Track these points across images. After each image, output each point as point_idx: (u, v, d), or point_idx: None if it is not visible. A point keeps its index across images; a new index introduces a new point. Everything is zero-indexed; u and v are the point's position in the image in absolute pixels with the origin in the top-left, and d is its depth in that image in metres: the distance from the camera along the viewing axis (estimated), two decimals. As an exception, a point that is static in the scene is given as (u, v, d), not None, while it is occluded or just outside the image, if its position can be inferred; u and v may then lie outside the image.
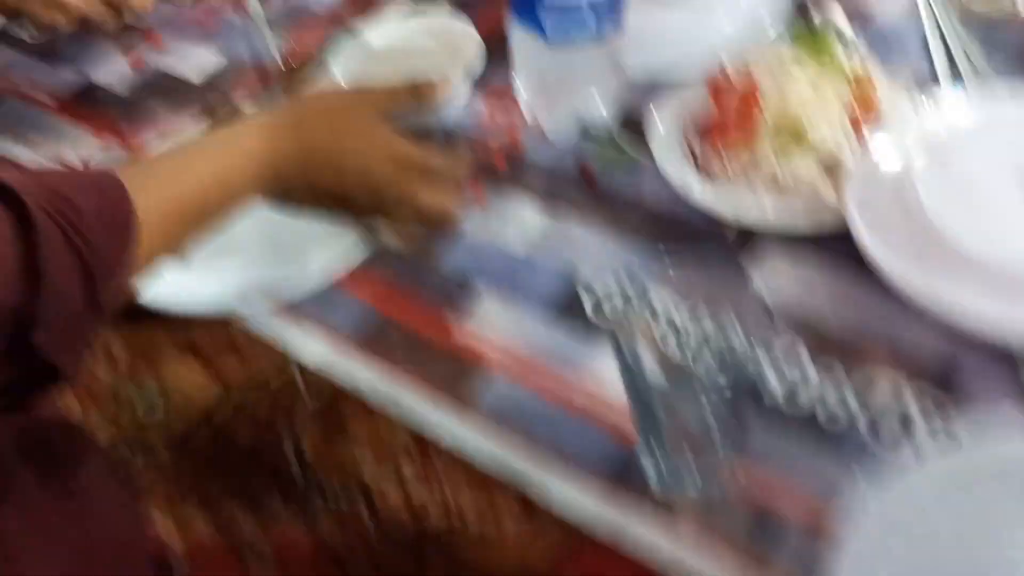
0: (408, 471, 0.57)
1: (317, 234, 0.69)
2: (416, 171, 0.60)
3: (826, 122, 0.70)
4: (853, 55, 0.73)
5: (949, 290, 0.60)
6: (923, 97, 0.73)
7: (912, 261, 0.62)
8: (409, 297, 0.69)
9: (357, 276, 0.71)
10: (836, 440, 0.56)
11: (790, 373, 0.60)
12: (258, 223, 0.61)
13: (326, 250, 0.70)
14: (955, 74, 0.77)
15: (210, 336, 0.64)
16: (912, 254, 0.62)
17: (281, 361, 0.65)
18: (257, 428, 0.59)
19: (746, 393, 0.59)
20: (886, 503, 0.49)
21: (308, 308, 0.69)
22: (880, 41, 0.80)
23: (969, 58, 0.78)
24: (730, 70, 0.74)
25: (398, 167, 0.59)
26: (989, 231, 0.62)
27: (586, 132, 0.79)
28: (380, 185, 0.59)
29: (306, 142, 0.58)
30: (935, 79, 0.77)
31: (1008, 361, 0.58)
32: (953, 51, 0.79)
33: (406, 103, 0.64)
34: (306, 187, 0.59)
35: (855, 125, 0.71)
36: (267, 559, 0.55)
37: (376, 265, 0.72)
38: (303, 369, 0.65)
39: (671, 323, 0.64)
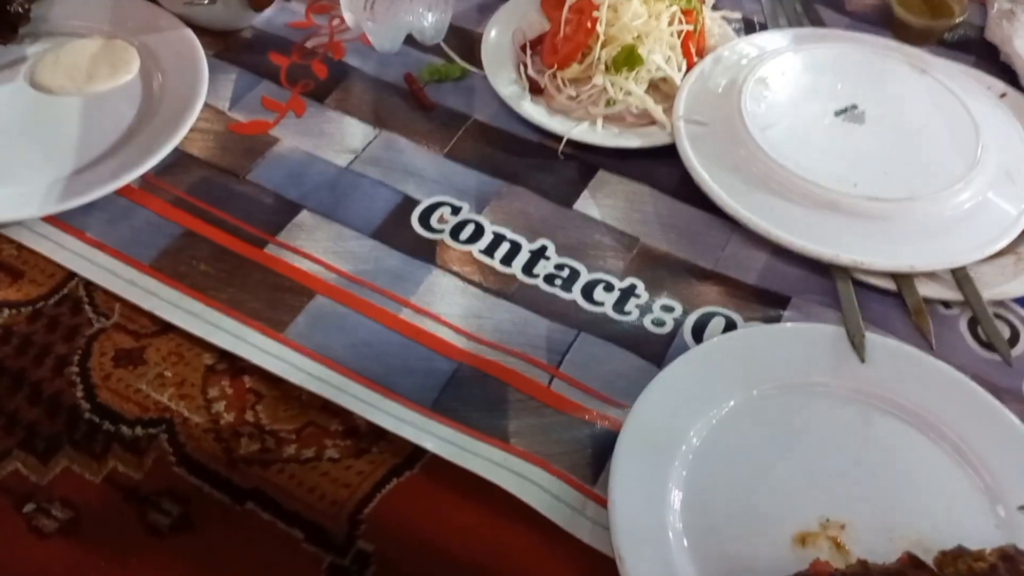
0: (214, 393, 0.51)
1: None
2: None
3: (657, 41, 0.69)
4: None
5: (767, 204, 0.62)
6: (749, 35, 0.75)
7: (733, 176, 0.63)
8: (215, 210, 0.62)
9: (152, 185, 0.63)
10: (660, 343, 0.56)
11: (619, 284, 0.59)
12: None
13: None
14: (780, 23, 0.79)
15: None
16: (733, 170, 0.64)
17: (61, 278, 0.56)
18: (32, 353, 0.51)
19: (573, 306, 0.58)
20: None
21: (95, 219, 0.61)
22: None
23: (796, 8, 0.81)
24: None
25: None
26: (803, 150, 0.64)
27: (413, 41, 0.74)
28: None
29: None
30: (763, 26, 0.78)
31: (820, 270, 0.60)
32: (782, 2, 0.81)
33: None
34: None
35: (684, 48, 0.71)
36: (52, 508, 0.48)
37: (173, 173, 0.64)
38: (89, 286, 0.57)
39: (499, 237, 0.62)
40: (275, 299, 0.57)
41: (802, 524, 0.48)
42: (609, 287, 0.59)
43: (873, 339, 0.55)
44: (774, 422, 0.52)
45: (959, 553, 0.46)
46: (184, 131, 0.64)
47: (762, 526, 0.48)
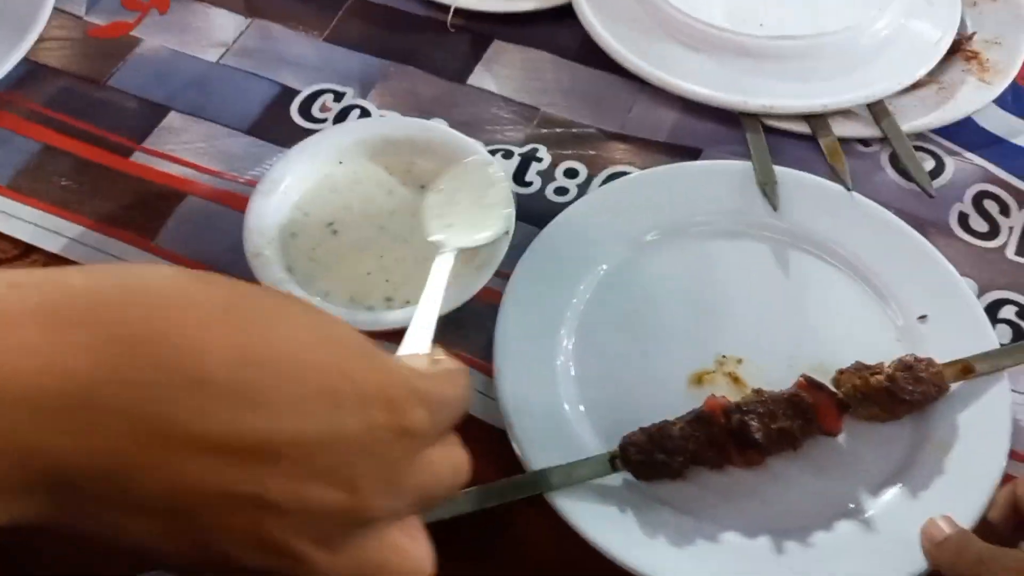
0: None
1: None
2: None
3: None
4: None
5: (671, 56, 0.58)
6: None
7: (635, 30, 0.59)
8: (75, 121, 0.57)
9: (3, 100, 0.58)
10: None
11: (519, 151, 0.55)
12: None
13: None
14: None
15: None
16: (634, 23, 0.59)
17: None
18: None
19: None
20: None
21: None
22: None
23: None
24: None
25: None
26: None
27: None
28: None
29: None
30: None
31: (732, 121, 0.56)
32: None
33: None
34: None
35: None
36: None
37: (27, 86, 0.59)
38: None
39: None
40: (143, 206, 0.52)
41: (698, 364, 0.46)
42: (508, 154, 0.55)
43: (781, 172, 0.52)
44: (667, 265, 0.49)
45: (857, 368, 0.44)
46: (30, 41, 0.58)
47: (657, 370, 0.46)
